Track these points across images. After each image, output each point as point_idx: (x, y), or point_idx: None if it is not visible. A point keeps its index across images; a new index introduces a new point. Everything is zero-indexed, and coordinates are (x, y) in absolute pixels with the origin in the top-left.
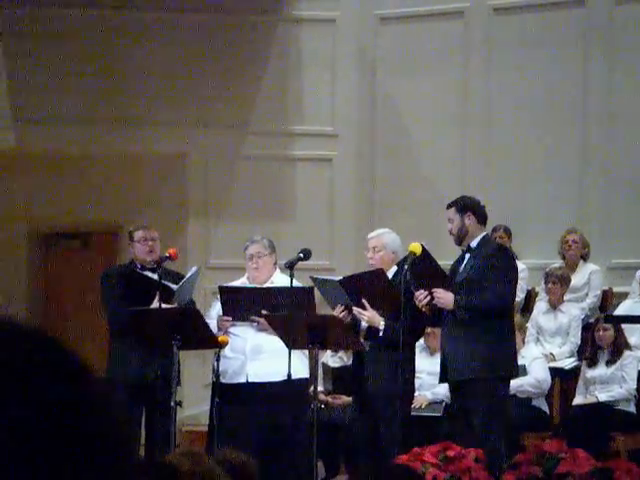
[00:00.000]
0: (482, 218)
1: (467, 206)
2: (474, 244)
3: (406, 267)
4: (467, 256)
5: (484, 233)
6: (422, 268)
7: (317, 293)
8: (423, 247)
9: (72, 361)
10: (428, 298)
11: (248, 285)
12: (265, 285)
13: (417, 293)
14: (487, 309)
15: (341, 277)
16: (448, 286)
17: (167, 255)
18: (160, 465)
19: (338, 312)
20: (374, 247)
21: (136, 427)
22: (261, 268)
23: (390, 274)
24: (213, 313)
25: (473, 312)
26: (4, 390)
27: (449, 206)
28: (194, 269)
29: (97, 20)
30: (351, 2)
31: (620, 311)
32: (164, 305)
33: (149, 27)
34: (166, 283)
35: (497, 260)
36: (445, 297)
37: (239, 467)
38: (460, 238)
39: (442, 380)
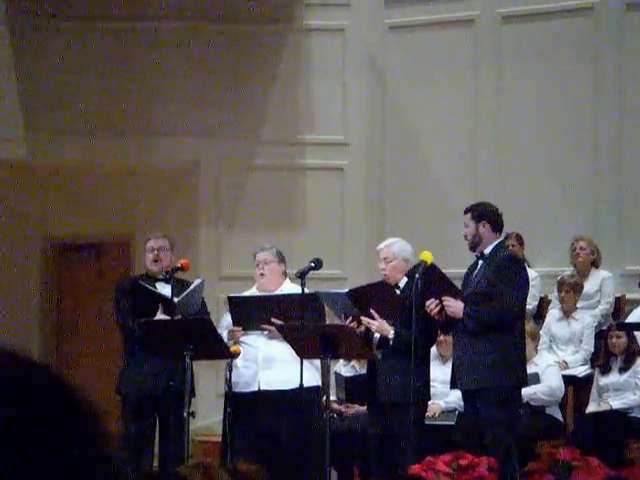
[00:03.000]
0: (498, 226)
1: (483, 214)
2: (487, 251)
3: (417, 276)
4: (480, 263)
5: (498, 240)
6: (432, 278)
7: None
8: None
9: (75, 404)
10: (439, 307)
11: (257, 294)
12: (274, 294)
13: (428, 302)
14: (495, 319)
15: (346, 290)
16: (457, 295)
17: (178, 266)
18: (172, 477)
19: (348, 323)
20: (385, 258)
21: (149, 438)
22: (267, 275)
23: (402, 283)
24: (224, 324)
25: (481, 322)
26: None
27: (466, 211)
28: (198, 281)
29: (108, 32)
30: (360, 11)
31: (632, 318)
32: (168, 317)
33: (160, 38)
34: (165, 295)
35: (507, 270)
36: (455, 306)
37: (250, 477)
38: (474, 245)
39: (452, 387)
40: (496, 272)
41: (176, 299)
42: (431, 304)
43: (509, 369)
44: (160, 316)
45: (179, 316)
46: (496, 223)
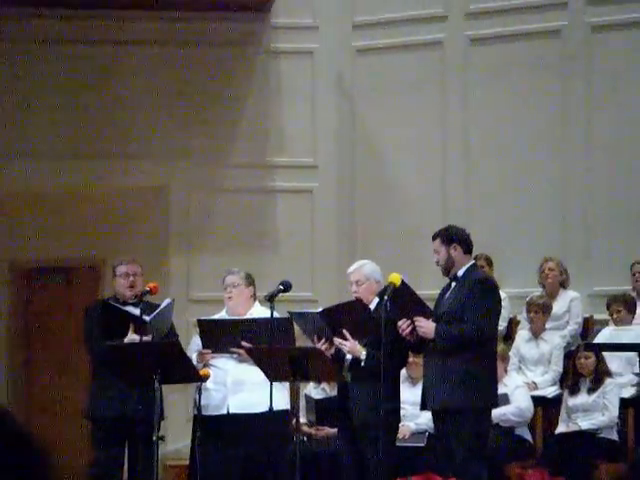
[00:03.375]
0: (468, 248)
1: (452, 237)
2: (460, 273)
3: (386, 298)
4: (453, 284)
5: (471, 263)
6: (403, 298)
7: (297, 326)
8: (402, 279)
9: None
10: (410, 327)
11: (226, 317)
12: (244, 317)
13: (400, 322)
14: (466, 339)
15: (320, 309)
16: (429, 315)
17: (147, 289)
18: None
19: (320, 345)
20: (357, 281)
21: (118, 463)
22: (235, 298)
23: (373, 305)
24: (193, 347)
25: (452, 342)
26: None
27: (434, 237)
28: (167, 301)
29: (75, 55)
30: (329, 34)
31: (600, 339)
32: (138, 337)
33: (127, 61)
34: (136, 314)
35: (480, 291)
36: (426, 326)
37: None
38: (447, 269)
39: (423, 408)
40: (469, 294)
41: (147, 317)
42: (403, 324)
43: (480, 389)
44: (131, 336)
45: (150, 336)
46: (466, 245)
